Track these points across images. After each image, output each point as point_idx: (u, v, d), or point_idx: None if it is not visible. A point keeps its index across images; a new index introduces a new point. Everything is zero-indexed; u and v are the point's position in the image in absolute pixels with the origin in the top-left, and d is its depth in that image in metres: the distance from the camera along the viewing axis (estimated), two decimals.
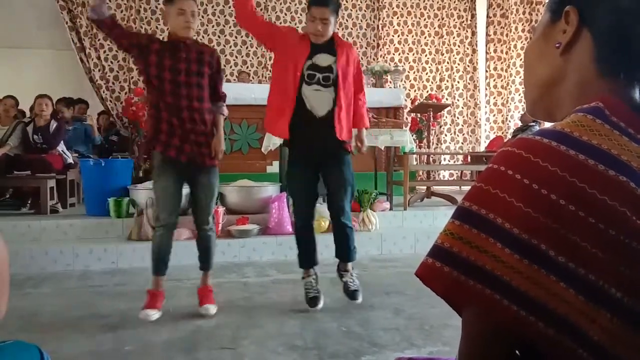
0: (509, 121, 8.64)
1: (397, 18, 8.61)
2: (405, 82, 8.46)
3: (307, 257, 2.88)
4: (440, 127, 8.62)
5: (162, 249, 2.68)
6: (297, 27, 8.24)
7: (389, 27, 8.57)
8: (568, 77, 0.66)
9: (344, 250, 2.90)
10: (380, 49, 8.51)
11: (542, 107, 0.72)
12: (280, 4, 8.16)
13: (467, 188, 5.14)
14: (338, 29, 8.36)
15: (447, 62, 8.78)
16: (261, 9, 8.10)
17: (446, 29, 8.76)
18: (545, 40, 0.69)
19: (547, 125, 0.65)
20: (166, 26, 2.79)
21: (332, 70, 2.70)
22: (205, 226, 2.74)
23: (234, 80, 7.78)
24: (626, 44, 0.61)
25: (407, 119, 7.29)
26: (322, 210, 4.44)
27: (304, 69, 2.67)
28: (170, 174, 2.59)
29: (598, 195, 0.52)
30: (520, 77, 8.43)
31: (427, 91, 8.53)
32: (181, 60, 2.56)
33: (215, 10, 7.90)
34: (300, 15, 8.22)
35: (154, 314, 2.58)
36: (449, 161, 8.53)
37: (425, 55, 8.73)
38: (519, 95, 8.37)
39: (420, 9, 8.70)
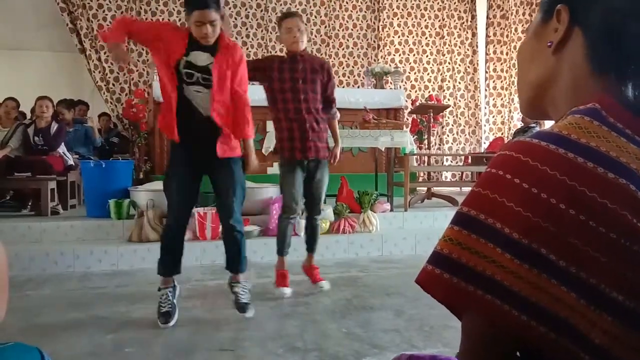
0: (510, 122, 8.64)
1: (397, 19, 8.62)
2: (406, 83, 8.47)
3: (170, 263, 2.66)
4: (443, 127, 8.62)
5: (288, 234, 3.07)
6: None
7: (389, 28, 8.58)
8: (561, 76, 0.65)
9: (235, 260, 2.71)
10: (381, 50, 8.52)
11: (536, 106, 0.71)
12: (281, 4, 8.16)
13: (467, 189, 5.15)
14: (339, 30, 8.40)
15: (449, 63, 8.78)
16: (261, 10, 8.11)
17: (447, 30, 8.77)
18: (537, 40, 0.69)
19: (547, 126, 0.65)
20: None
21: (209, 71, 2.55)
22: (316, 216, 3.16)
23: None
24: (617, 42, 0.60)
25: (407, 120, 7.29)
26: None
27: (180, 66, 2.52)
28: (295, 172, 2.97)
29: (598, 199, 0.52)
30: None
31: (429, 92, 8.54)
32: (298, 70, 2.94)
33: None
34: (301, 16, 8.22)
35: (288, 291, 3.02)
36: (451, 162, 8.54)
37: (427, 56, 8.74)
38: None
39: (421, 10, 8.70)
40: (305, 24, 2.96)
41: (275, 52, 8.16)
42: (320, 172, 3.04)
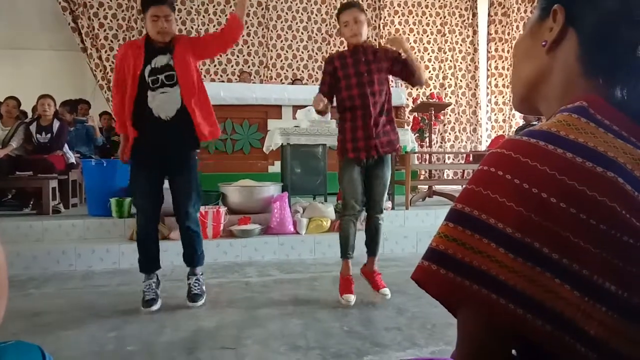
0: (511, 120, 8.64)
1: (399, 17, 8.62)
2: None
3: (148, 261, 2.86)
4: (444, 125, 8.62)
5: (351, 234, 2.92)
6: (299, 27, 8.24)
7: (390, 26, 8.58)
8: (553, 75, 0.67)
9: (191, 256, 2.90)
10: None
11: (527, 102, 0.73)
12: (282, 3, 8.16)
13: None
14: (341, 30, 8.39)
15: (450, 61, 8.78)
16: (262, 8, 8.11)
17: (448, 28, 8.77)
18: (532, 38, 0.70)
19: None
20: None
21: (172, 67, 2.70)
22: (378, 215, 2.93)
23: (236, 79, 7.79)
24: (609, 45, 0.61)
25: (408, 118, 7.29)
26: (323, 209, 4.46)
27: (146, 75, 2.68)
28: (354, 168, 2.86)
29: (588, 192, 0.53)
30: None
31: (430, 90, 8.53)
32: (361, 62, 2.82)
33: (216, 9, 7.92)
34: (302, 15, 8.22)
35: (352, 298, 2.85)
36: (453, 160, 8.54)
37: (428, 54, 8.74)
38: None
39: (422, 8, 8.70)
40: (365, 15, 2.88)
41: (276, 50, 8.17)
42: (381, 168, 2.89)
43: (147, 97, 2.70)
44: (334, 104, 2.96)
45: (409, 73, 2.84)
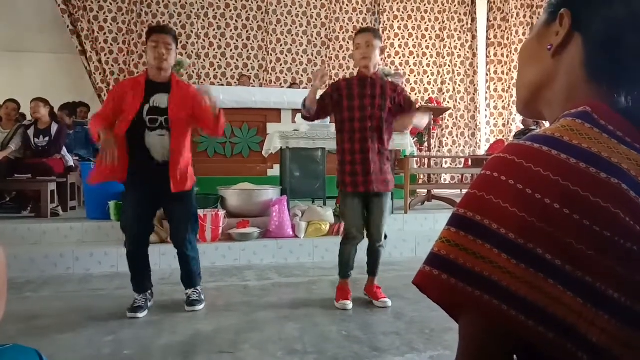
0: (510, 124, 8.65)
1: (398, 22, 8.64)
2: (406, 85, 8.48)
3: (141, 282, 2.87)
4: (442, 130, 8.63)
5: (351, 259, 2.98)
6: (299, 31, 8.26)
7: (389, 31, 8.60)
8: (557, 79, 0.66)
9: (188, 278, 2.94)
10: (381, 53, 8.54)
11: (531, 106, 0.73)
12: (282, 7, 8.18)
13: None
14: (339, 33, 8.41)
15: (449, 65, 8.80)
16: (262, 13, 8.12)
17: (447, 33, 8.79)
18: (538, 41, 0.70)
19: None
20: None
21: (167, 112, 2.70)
22: (377, 243, 2.98)
23: (235, 83, 7.80)
24: (614, 51, 0.61)
25: None
26: (322, 213, 4.45)
27: (144, 114, 2.67)
28: (355, 198, 2.88)
29: (591, 198, 0.52)
30: None
31: (429, 94, 8.55)
32: (367, 96, 2.83)
33: (216, 13, 7.93)
34: (301, 19, 8.24)
35: (349, 303, 2.91)
36: (451, 164, 8.55)
37: (427, 59, 8.75)
38: None
39: (421, 13, 8.72)
40: (381, 40, 2.87)
41: (276, 54, 8.18)
42: (380, 197, 2.90)
43: (145, 136, 2.67)
44: (329, 121, 2.95)
45: (401, 111, 2.91)
